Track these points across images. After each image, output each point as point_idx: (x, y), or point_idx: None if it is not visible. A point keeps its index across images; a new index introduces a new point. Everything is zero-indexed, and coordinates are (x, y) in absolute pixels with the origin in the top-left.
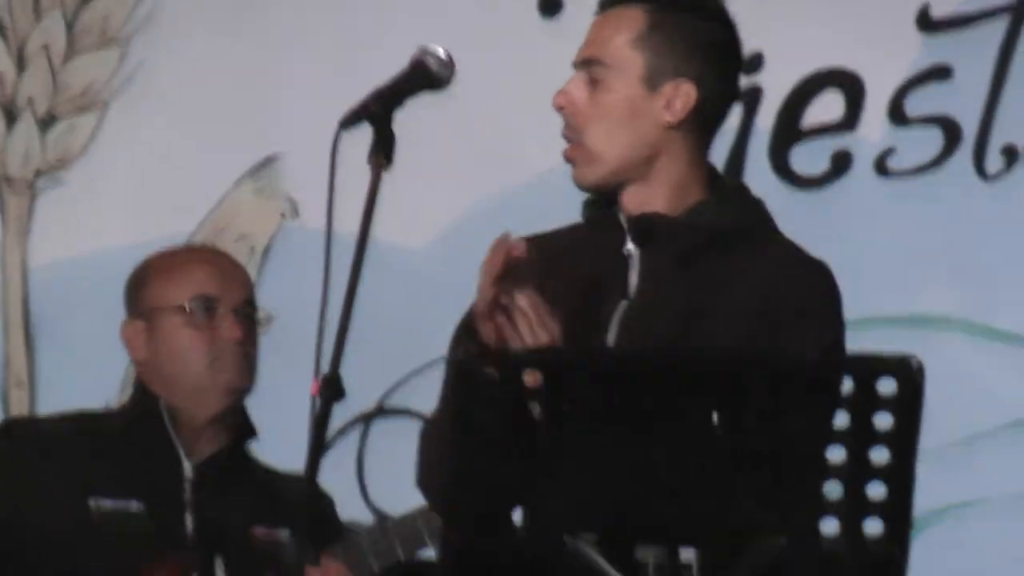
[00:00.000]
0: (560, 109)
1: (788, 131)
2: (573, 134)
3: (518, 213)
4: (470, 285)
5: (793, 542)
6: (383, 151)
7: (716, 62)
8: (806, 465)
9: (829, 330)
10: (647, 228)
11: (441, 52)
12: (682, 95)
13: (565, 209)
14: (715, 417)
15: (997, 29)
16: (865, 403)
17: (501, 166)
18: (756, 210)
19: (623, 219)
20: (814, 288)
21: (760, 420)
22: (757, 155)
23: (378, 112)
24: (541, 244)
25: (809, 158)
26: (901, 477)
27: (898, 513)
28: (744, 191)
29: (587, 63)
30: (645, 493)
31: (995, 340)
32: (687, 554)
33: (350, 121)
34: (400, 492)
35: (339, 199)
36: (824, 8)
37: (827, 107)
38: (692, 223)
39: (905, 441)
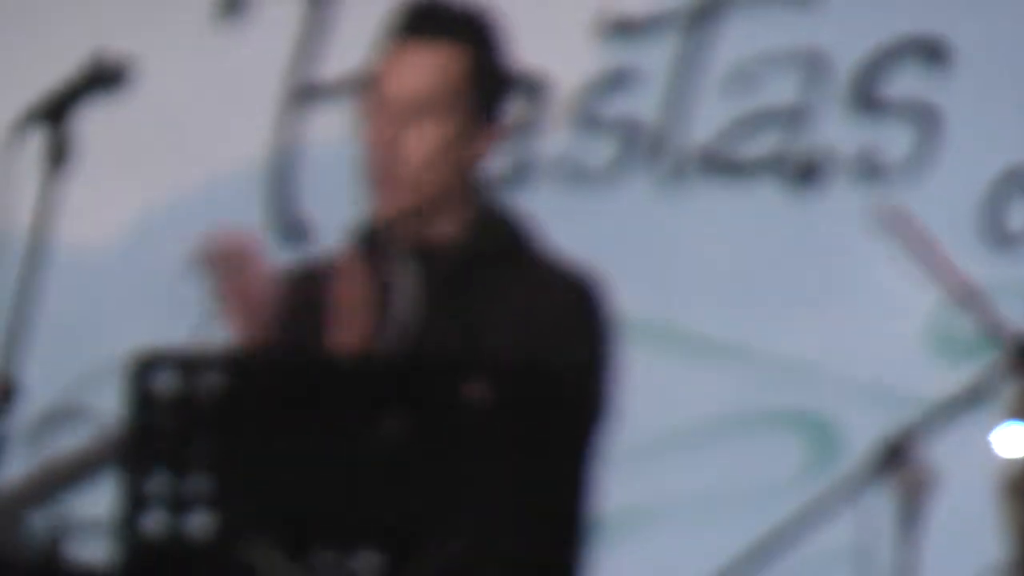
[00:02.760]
0: (389, 140)
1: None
2: (394, 166)
3: (198, 211)
4: (151, 282)
5: (472, 546)
6: (57, 152)
7: (506, 95)
8: (482, 471)
9: (582, 346)
10: (412, 255)
11: (115, 54)
12: (497, 131)
13: (243, 206)
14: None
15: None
16: (547, 411)
17: (180, 164)
18: (518, 234)
19: (389, 248)
20: (570, 309)
21: (438, 424)
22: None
23: (51, 113)
24: (308, 276)
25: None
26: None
27: (570, 517)
28: (508, 215)
29: (417, 99)
30: (323, 496)
31: (673, 342)
32: (364, 557)
33: (24, 123)
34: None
35: (19, 200)
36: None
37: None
38: (456, 248)
39: (578, 447)
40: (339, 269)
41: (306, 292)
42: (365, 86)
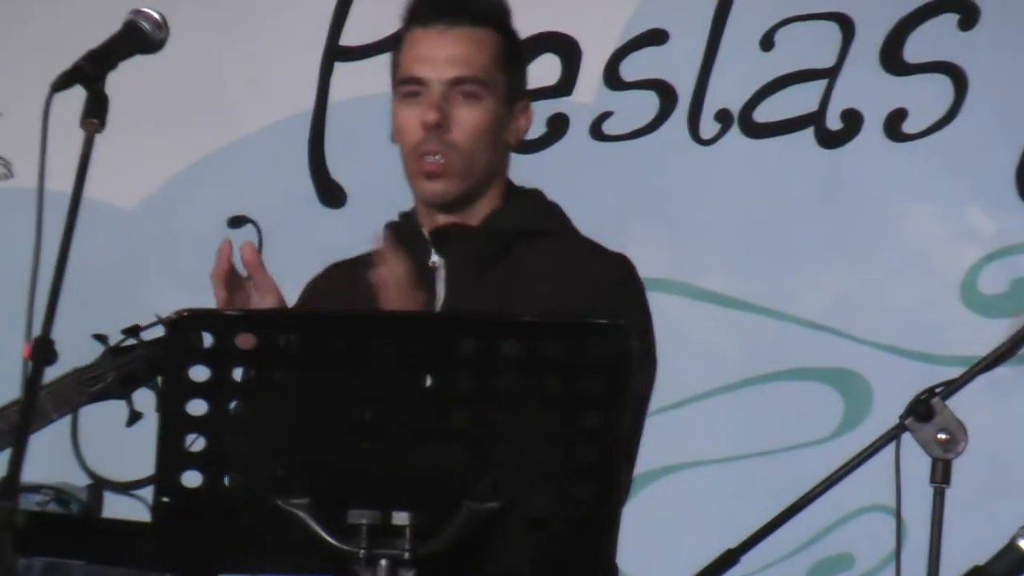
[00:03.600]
0: (435, 124)
1: None
2: (443, 148)
3: (227, 174)
4: (179, 244)
5: (504, 506)
6: (95, 113)
7: (526, 76)
8: (517, 428)
9: (626, 315)
10: (447, 238)
11: (155, 14)
12: (527, 114)
13: (275, 170)
14: (428, 380)
15: None
16: (575, 367)
17: (210, 128)
18: (551, 213)
19: (425, 232)
20: (609, 276)
21: (472, 383)
22: None
23: (90, 74)
24: (350, 268)
25: None
26: (611, 440)
27: (609, 475)
28: (539, 196)
29: (460, 81)
30: (358, 456)
31: (707, 301)
32: (400, 517)
33: (62, 83)
34: (114, 453)
35: (53, 159)
36: None
37: (543, 71)
38: (490, 229)
39: (615, 404)
40: (379, 254)
41: (349, 281)
42: (392, 76)
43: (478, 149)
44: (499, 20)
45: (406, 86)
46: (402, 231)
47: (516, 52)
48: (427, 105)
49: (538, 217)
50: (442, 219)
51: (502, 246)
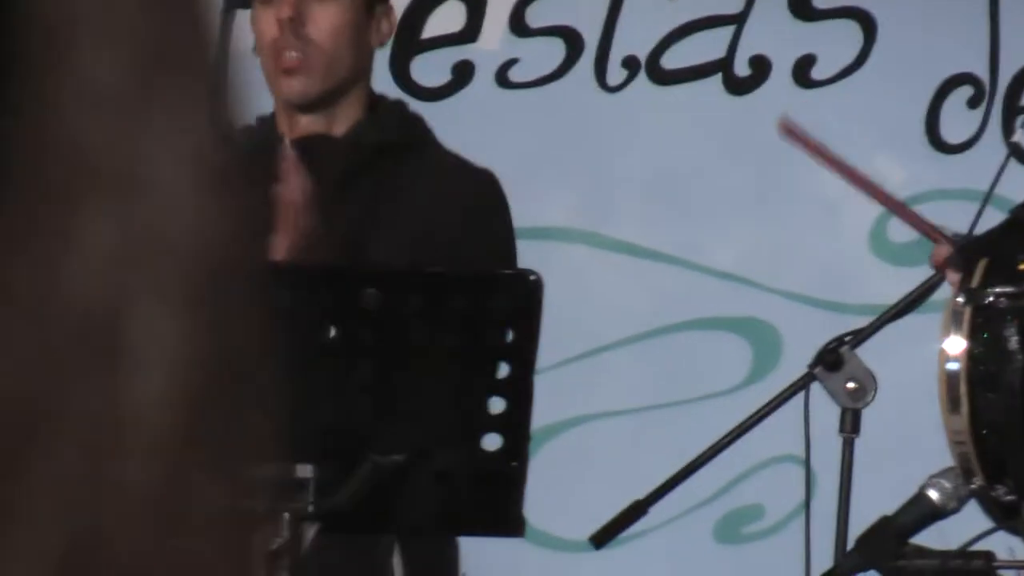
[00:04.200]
0: (289, 18)
1: (409, 42)
2: (301, 44)
3: None
4: None
5: (410, 458)
6: None
7: None
8: (423, 381)
9: (492, 236)
10: (309, 150)
11: None
12: (389, 18)
13: None
14: (331, 330)
15: None
16: (483, 319)
17: None
18: (416, 126)
19: (286, 140)
20: (479, 196)
21: (377, 334)
22: (378, 66)
23: None
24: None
25: (430, 69)
26: (520, 391)
27: (516, 427)
28: (402, 108)
29: None
30: None
31: (617, 251)
32: (304, 470)
33: None
34: None
35: None
36: None
37: (448, 18)
38: (353, 142)
39: (524, 356)
40: (284, 171)
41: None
42: None
43: (337, 46)
44: None
45: None
46: (258, 136)
47: None
48: (285, 3)
49: (403, 129)
50: (304, 122)
51: (365, 161)
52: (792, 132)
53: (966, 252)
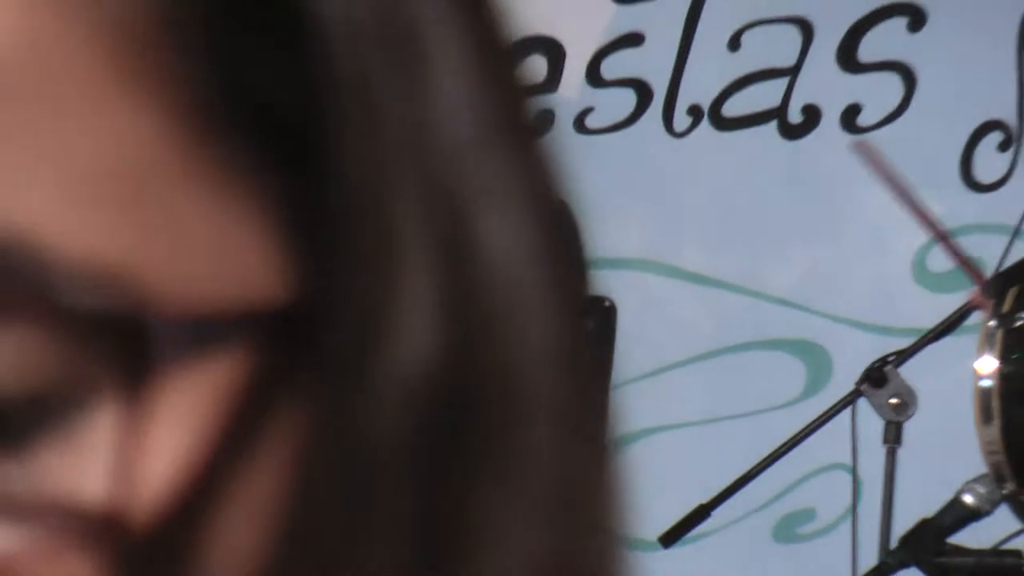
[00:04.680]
0: None
1: None
2: None
3: None
4: None
5: None
6: None
7: None
8: None
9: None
10: None
11: None
12: None
13: None
14: None
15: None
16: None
17: None
18: None
19: None
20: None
21: None
22: None
23: None
24: None
25: None
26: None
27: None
28: None
29: None
30: None
31: (683, 279)
32: None
33: None
34: None
35: None
36: None
37: (532, 71)
38: None
39: (601, 373)
40: None
41: None
42: None
43: None
44: None
45: None
46: None
47: None
48: None
49: None
50: None
51: None
52: (867, 150)
53: (998, 281)
